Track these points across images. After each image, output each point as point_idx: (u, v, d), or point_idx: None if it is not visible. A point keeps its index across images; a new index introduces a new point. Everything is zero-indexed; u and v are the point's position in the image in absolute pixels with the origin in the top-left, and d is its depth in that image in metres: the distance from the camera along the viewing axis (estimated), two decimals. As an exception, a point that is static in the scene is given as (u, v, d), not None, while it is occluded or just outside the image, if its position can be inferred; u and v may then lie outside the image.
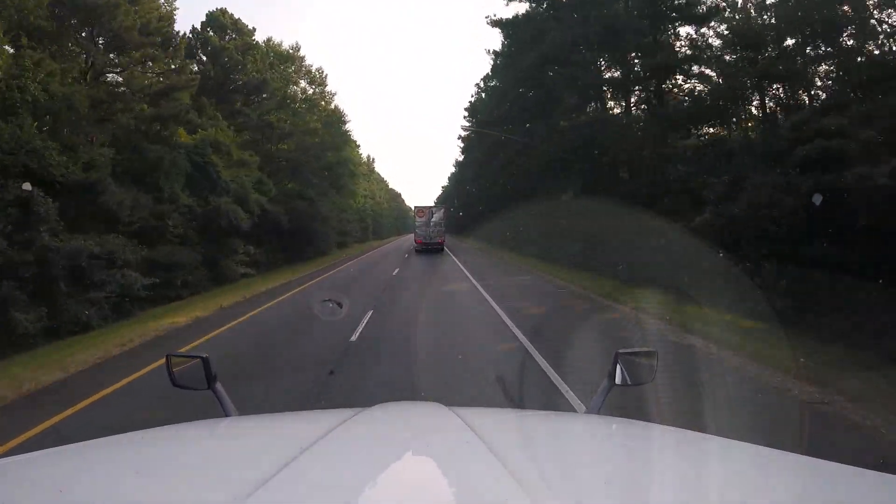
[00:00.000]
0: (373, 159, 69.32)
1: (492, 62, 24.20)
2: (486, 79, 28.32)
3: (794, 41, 12.75)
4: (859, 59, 12.03)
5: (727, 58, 13.77)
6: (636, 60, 15.63)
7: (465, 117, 34.68)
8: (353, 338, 6.87)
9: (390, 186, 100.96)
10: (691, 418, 3.16)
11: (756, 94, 13.65)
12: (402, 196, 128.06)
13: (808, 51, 12.75)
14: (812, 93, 13.19)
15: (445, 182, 76.38)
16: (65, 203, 9.13)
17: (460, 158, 48.35)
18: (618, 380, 1.62)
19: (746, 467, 1.15)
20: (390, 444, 1.38)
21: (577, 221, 15.61)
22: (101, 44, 12.73)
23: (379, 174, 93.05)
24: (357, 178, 39.11)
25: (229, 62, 21.32)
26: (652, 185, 12.55)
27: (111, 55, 13.10)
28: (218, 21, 22.13)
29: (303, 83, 27.13)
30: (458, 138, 30.95)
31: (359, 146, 55.49)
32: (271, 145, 21.66)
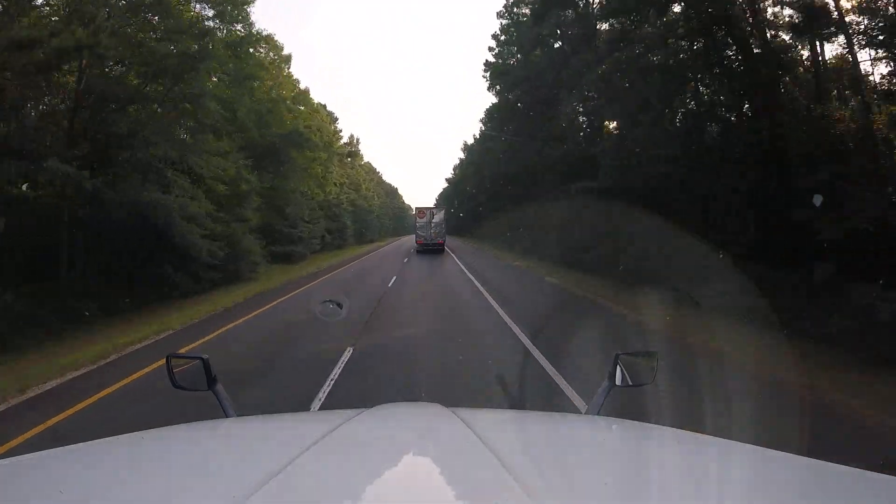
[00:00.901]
0: (357, 140, 58.91)
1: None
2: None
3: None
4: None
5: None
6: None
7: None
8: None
9: (384, 178, 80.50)
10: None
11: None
12: (400, 192, 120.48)
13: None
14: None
15: (449, 175, 75.76)
16: None
17: (475, 137, 46.25)
18: (618, 381, 1.60)
19: (746, 468, 1.11)
20: (390, 445, 1.32)
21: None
22: None
23: (371, 164, 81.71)
24: (317, 151, 28.26)
25: None
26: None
27: None
28: None
29: None
30: (484, 72, 29.62)
31: (336, 119, 45.65)
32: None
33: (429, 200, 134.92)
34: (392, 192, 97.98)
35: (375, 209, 66.65)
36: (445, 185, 75.04)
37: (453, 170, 69.29)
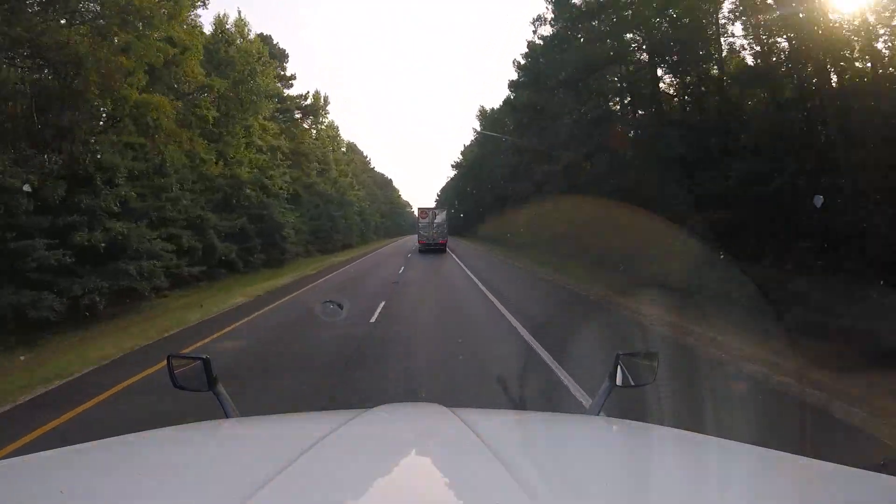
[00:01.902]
0: (326, 99, 42.46)
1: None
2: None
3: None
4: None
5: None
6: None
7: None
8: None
9: (371, 165, 63.99)
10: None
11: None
12: (398, 188, 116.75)
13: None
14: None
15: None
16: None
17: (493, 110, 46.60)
18: (619, 381, 1.61)
19: (747, 469, 1.12)
20: (391, 446, 1.35)
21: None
22: None
23: (355, 145, 66.73)
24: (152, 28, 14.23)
25: None
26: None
27: None
28: None
29: None
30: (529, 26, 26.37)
31: (287, 57, 33.96)
32: None
33: (429, 200, 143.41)
34: (384, 184, 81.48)
35: (358, 201, 47.67)
36: (448, 178, 77.49)
37: (461, 154, 66.36)
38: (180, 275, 15.44)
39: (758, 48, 13.32)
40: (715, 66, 15.09)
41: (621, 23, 16.59)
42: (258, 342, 9.28)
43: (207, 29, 23.89)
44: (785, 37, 12.27)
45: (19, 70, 11.15)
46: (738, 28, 14.54)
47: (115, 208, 12.25)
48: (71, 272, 10.67)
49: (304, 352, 8.41)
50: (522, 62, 30.02)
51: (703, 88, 15.75)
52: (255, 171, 24.71)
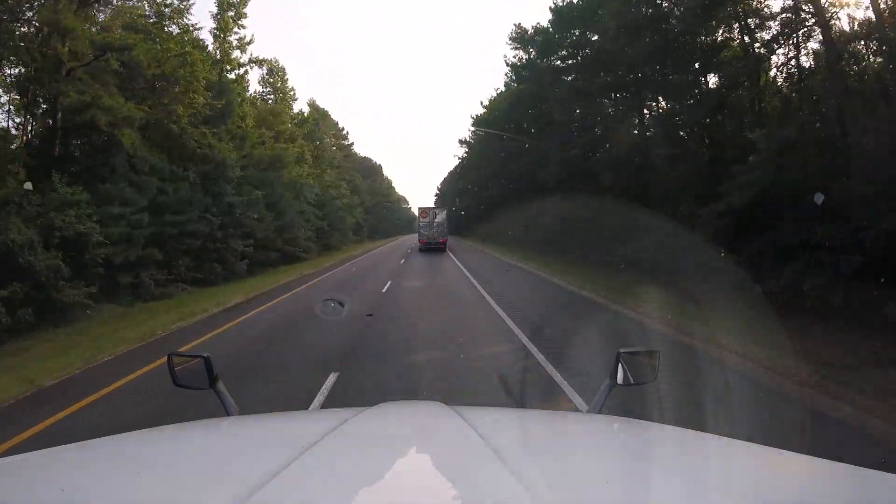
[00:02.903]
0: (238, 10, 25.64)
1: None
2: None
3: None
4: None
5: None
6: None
7: None
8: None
9: (349, 142, 43.09)
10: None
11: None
12: (394, 185, 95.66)
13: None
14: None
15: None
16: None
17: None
18: (619, 379, 1.62)
19: (747, 467, 1.13)
20: (392, 444, 1.36)
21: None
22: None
23: (326, 110, 51.64)
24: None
25: None
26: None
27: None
28: None
29: None
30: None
31: None
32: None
33: (428, 199, 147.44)
34: (371, 171, 64.50)
35: (324, 188, 38.99)
36: (457, 158, 67.40)
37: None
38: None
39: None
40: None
41: None
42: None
43: None
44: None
45: None
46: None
47: None
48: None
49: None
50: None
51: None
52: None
